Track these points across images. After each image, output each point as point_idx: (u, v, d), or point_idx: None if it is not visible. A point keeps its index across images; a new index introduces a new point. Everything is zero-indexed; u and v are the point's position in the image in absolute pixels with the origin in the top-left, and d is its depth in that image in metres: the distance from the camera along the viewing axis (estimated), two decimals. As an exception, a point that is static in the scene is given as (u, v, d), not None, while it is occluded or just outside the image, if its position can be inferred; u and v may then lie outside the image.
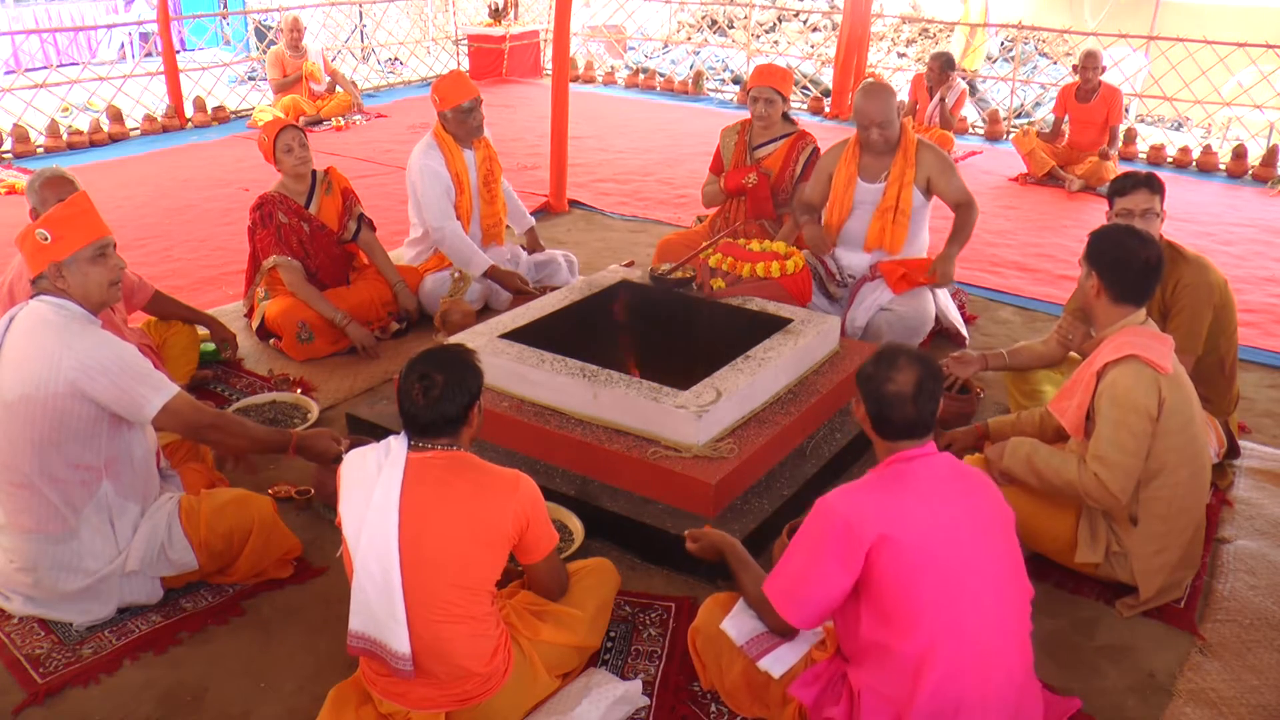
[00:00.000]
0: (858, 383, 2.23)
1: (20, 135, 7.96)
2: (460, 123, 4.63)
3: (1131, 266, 2.71)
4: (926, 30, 13.91)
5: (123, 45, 12.43)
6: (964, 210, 4.27)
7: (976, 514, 2.12)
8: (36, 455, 2.52)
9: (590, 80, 11.45)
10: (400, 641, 2.12)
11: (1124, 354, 2.64)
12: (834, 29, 12.77)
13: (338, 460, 2.72)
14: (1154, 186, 3.27)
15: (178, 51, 9.58)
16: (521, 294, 4.55)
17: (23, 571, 2.63)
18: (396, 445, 2.19)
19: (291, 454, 2.87)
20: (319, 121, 9.00)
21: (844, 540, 2.05)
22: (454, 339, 3.55)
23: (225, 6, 14.44)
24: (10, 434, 2.54)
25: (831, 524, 2.08)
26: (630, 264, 4.81)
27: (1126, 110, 8.96)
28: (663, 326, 3.86)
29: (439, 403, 2.15)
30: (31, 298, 2.61)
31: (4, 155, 7.89)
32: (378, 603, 2.13)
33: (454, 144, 4.66)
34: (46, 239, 2.56)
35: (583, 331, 3.76)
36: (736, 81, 11.29)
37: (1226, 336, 3.39)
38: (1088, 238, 2.84)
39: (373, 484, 2.15)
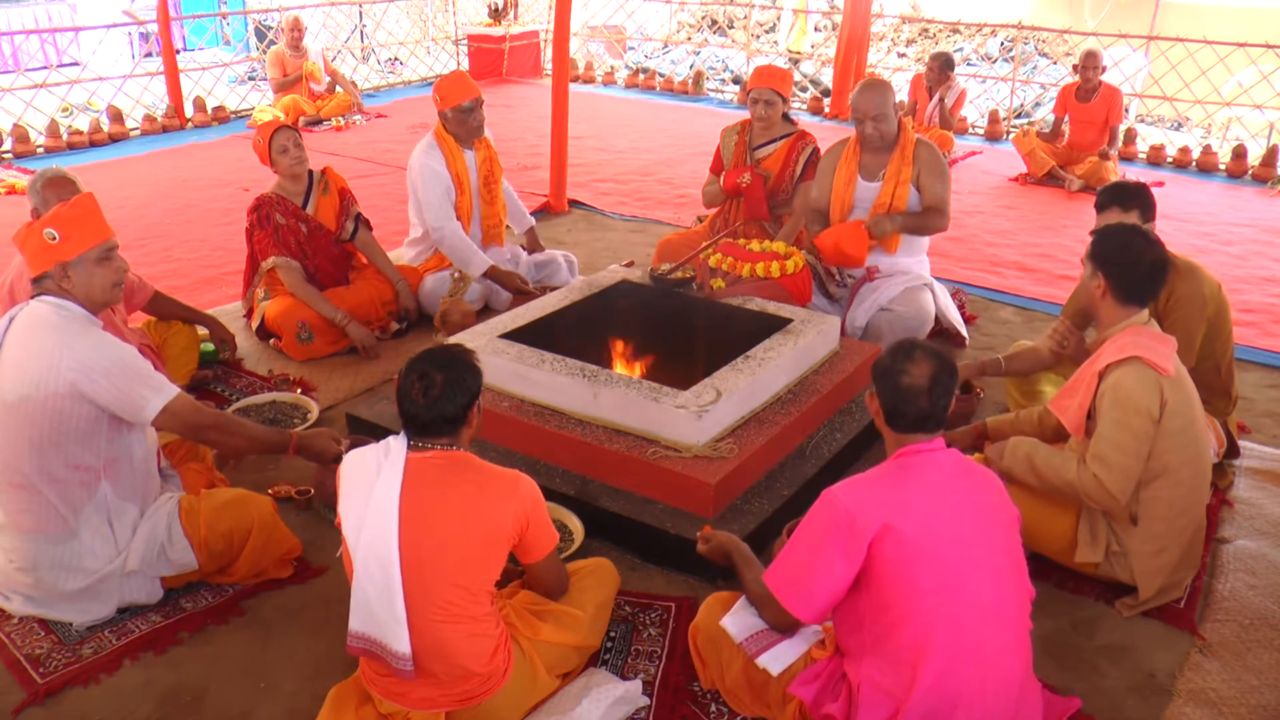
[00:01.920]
0: (873, 374, 2.25)
1: (20, 135, 7.97)
2: (460, 123, 4.63)
3: (1138, 268, 2.70)
4: (926, 30, 13.92)
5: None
6: (934, 212, 4.28)
7: (980, 511, 2.12)
8: (36, 455, 2.52)
9: (590, 80, 11.45)
10: (400, 641, 2.12)
11: (1127, 355, 2.63)
12: (834, 29, 12.76)
13: (338, 460, 2.72)
14: (1124, 202, 3.23)
15: (178, 51, 9.57)
16: (521, 294, 4.55)
17: (22, 571, 2.63)
18: (396, 445, 2.19)
19: (292, 454, 2.87)
20: (319, 121, 9.00)
21: (847, 532, 2.06)
22: (454, 339, 3.55)
23: (225, 6, 14.44)
24: (10, 434, 2.54)
25: (835, 515, 2.09)
26: (630, 264, 4.81)
27: (1126, 110, 8.96)
28: (663, 326, 3.86)
29: (439, 402, 2.15)
30: (32, 297, 2.61)
31: (4, 155, 7.89)
32: (378, 603, 2.13)
33: (455, 144, 4.66)
34: (55, 238, 2.55)
35: (583, 331, 3.75)
36: (736, 81, 11.29)
37: (1221, 341, 3.38)
38: (1092, 238, 2.83)
39: (372, 484, 2.15)
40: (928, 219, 4.28)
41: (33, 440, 2.51)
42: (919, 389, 2.13)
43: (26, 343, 2.53)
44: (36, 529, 2.58)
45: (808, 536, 2.16)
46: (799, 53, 11.67)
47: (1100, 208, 3.31)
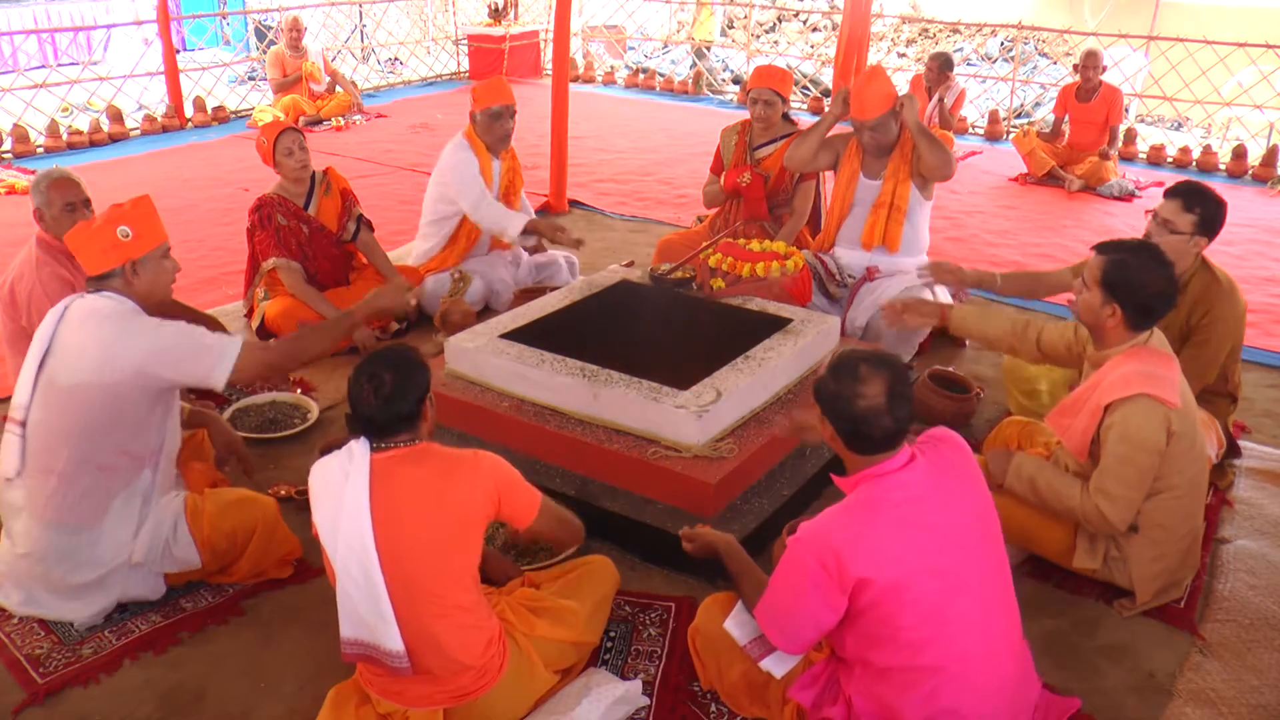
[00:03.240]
0: (820, 402, 2.10)
1: (20, 135, 7.96)
2: (488, 127, 4.63)
3: (1156, 299, 2.63)
4: (926, 30, 13.92)
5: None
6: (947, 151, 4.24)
7: (957, 524, 2.06)
8: (83, 441, 2.55)
9: (590, 80, 11.45)
10: (393, 640, 2.13)
11: (1134, 391, 2.57)
12: (834, 29, 12.76)
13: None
14: (1189, 204, 3.14)
15: (178, 51, 9.57)
16: (559, 239, 4.55)
17: (28, 559, 2.62)
18: (359, 449, 2.19)
19: (364, 322, 2.94)
20: (319, 121, 8.99)
21: (823, 581, 2.00)
22: (453, 339, 3.56)
23: (225, 6, 14.43)
24: (56, 419, 2.56)
25: (808, 567, 2.02)
26: (630, 264, 4.81)
27: (1126, 110, 8.96)
28: (663, 326, 3.86)
29: (391, 402, 2.17)
30: (90, 293, 2.65)
31: (4, 155, 7.89)
32: (364, 605, 2.14)
33: (484, 150, 4.66)
34: (128, 235, 2.62)
35: (583, 331, 3.76)
36: (736, 81, 11.30)
37: (1234, 353, 3.38)
38: (1104, 262, 2.66)
39: (341, 489, 2.15)
40: (940, 147, 4.19)
41: (84, 426, 2.54)
42: (878, 409, 2.00)
43: (85, 332, 2.57)
44: (58, 519, 2.59)
45: (786, 584, 2.10)
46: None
47: (1166, 194, 3.23)
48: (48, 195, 3.38)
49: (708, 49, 11.90)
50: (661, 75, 11.42)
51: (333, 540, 2.16)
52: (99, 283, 2.65)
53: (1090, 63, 7.32)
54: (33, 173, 7.04)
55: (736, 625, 2.28)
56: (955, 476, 2.12)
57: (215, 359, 2.64)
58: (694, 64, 11.48)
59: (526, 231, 4.61)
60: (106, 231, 2.61)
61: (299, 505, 3.23)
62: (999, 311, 3.04)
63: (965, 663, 2.02)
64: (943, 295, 4.46)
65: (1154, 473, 2.62)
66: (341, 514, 2.13)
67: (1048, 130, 7.85)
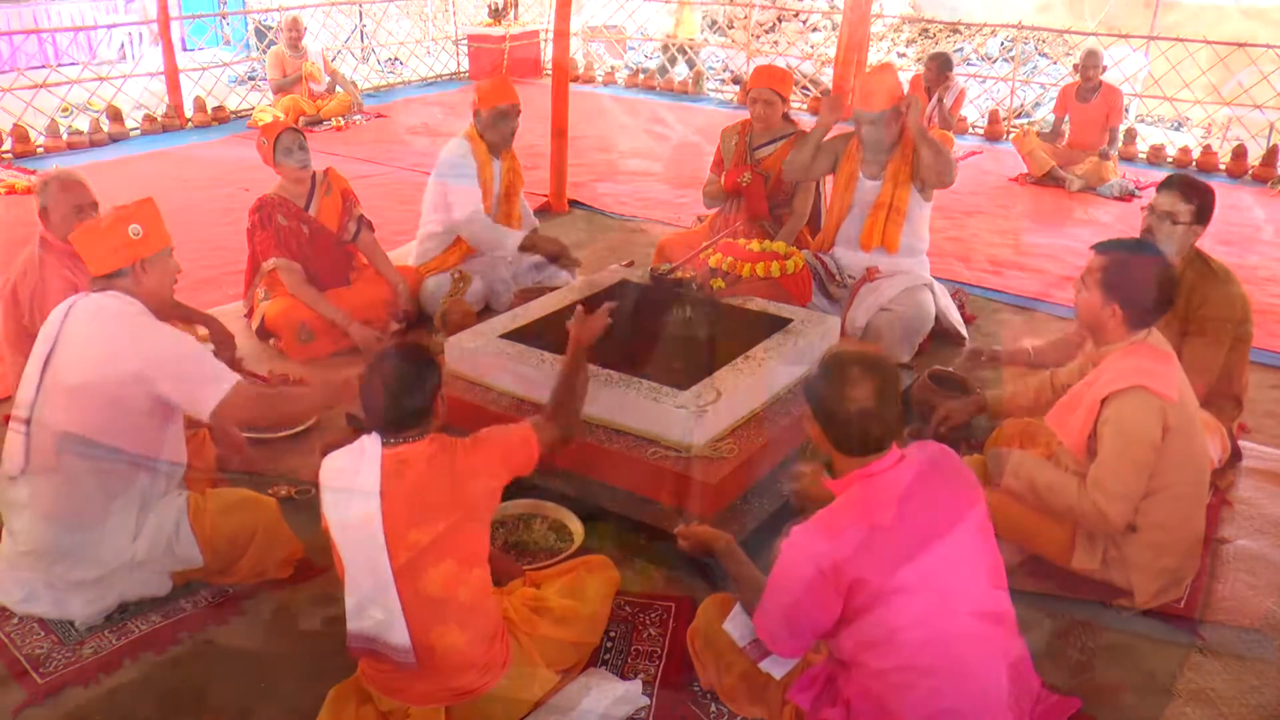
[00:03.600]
0: (810, 403, 2.11)
1: (20, 135, 7.96)
2: (493, 126, 4.63)
3: (1156, 299, 2.64)
4: (926, 30, 13.92)
5: (122, 45, 12.42)
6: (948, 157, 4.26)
7: (951, 522, 2.05)
8: (84, 442, 2.54)
9: (590, 80, 11.45)
10: (399, 634, 2.14)
11: (1130, 384, 2.58)
12: (834, 29, 12.77)
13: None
14: (1187, 194, 3.20)
15: (178, 51, 9.57)
16: (561, 257, 4.57)
17: (32, 556, 2.62)
18: (370, 443, 2.21)
19: (349, 399, 2.84)
20: (319, 122, 8.99)
21: (818, 584, 2.00)
22: (453, 339, 3.56)
23: (225, 6, 14.43)
24: (61, 418, 2.56)
25: (802, 570, 2.02)
26: (630, 264, 4.81)
27: (1126, 110, 8.96)
28: (663, 326, 3.86)
29: (403, 397, 2.19)
30: (95, 292, 2.65)
31: (4, 155, 7.88)
32: (372, 600, 2.15)
33: (485, 150, 4.66)
34: (139, 234, 2.64)
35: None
36: (736, 81, 11.29)
37: (1241, 353, 3.37)
38: (1104, 262, 2.68)
39: (352, 484, 2.17)
40: (942, 154, 4.21)
41: (85, 426, 2.54)
42: (869, 412, 2.01)
43: (91, 331, 2.57)
44: (62, 515, 2.59)
45: (781, 587, 2.09)
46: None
47: (1161, 188, 3.27)
48: (56, 197, 3.38)
49: (697, 49, 11.94)
50: (661, 75, 11.42)
51: (342, 534, 2.17)
52: (106, 282, 2.65)
53: (1090, 62, 7.33)
54: (33, 173, 7.06)
55: (735, 627, 2.28)
56: (946, 476, 2.12)
57: (209, 389, 2.59)
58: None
59: (525, 248, 4.63)
60: (117, 230, 2.62)
61: (299, 505, 3.23)
62: (1023, 380, 3.24)
63: (964, 663, 2.02)
64: (942, 295, 4.47)
65: (1150, 469, 2.62)
66: (351, 508, 2.15)
67: (1048, 130, 7.85)
